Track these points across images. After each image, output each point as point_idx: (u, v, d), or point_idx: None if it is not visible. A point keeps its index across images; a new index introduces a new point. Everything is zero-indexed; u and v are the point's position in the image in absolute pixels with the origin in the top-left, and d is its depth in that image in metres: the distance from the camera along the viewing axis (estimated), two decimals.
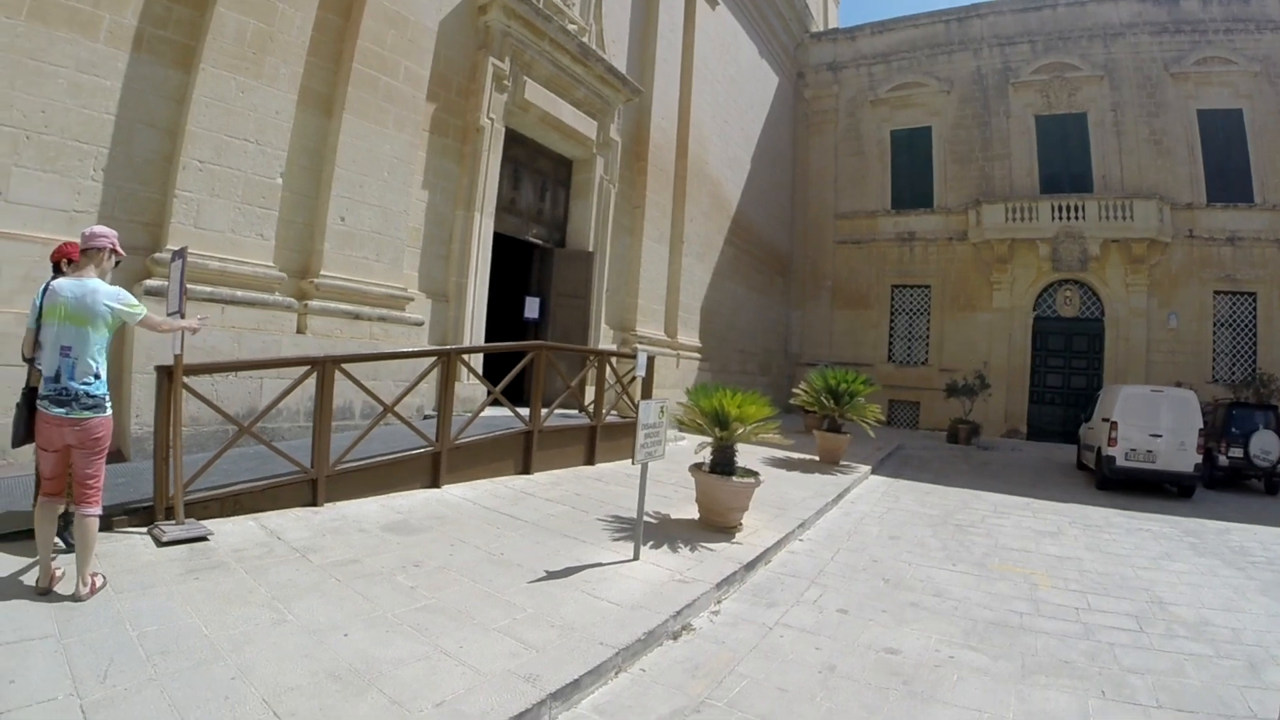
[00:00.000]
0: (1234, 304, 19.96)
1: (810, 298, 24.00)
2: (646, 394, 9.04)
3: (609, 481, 8.14)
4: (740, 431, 6.71)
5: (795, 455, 11.75)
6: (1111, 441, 11.60)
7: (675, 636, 4.14)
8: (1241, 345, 19.84)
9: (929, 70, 23.02)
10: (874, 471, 11.72)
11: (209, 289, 6.79)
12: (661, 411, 5.46)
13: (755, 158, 21.35)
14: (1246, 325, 19.82)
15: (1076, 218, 20.07)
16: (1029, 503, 10.08)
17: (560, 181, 13.36)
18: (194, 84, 6.88)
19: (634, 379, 8.70)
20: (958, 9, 23.43)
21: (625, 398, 10.15)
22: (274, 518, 5.30)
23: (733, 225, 19.46)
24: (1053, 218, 20.21)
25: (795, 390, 12.94)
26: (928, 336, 22.34)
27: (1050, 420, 20.35)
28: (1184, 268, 20.16)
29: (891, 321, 22.91)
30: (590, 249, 13.16)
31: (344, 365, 6.20)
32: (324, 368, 5.95)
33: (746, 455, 9.46)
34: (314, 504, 5.74)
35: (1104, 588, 5.96)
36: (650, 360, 8.92)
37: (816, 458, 11.63)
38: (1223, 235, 19.91)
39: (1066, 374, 20.70)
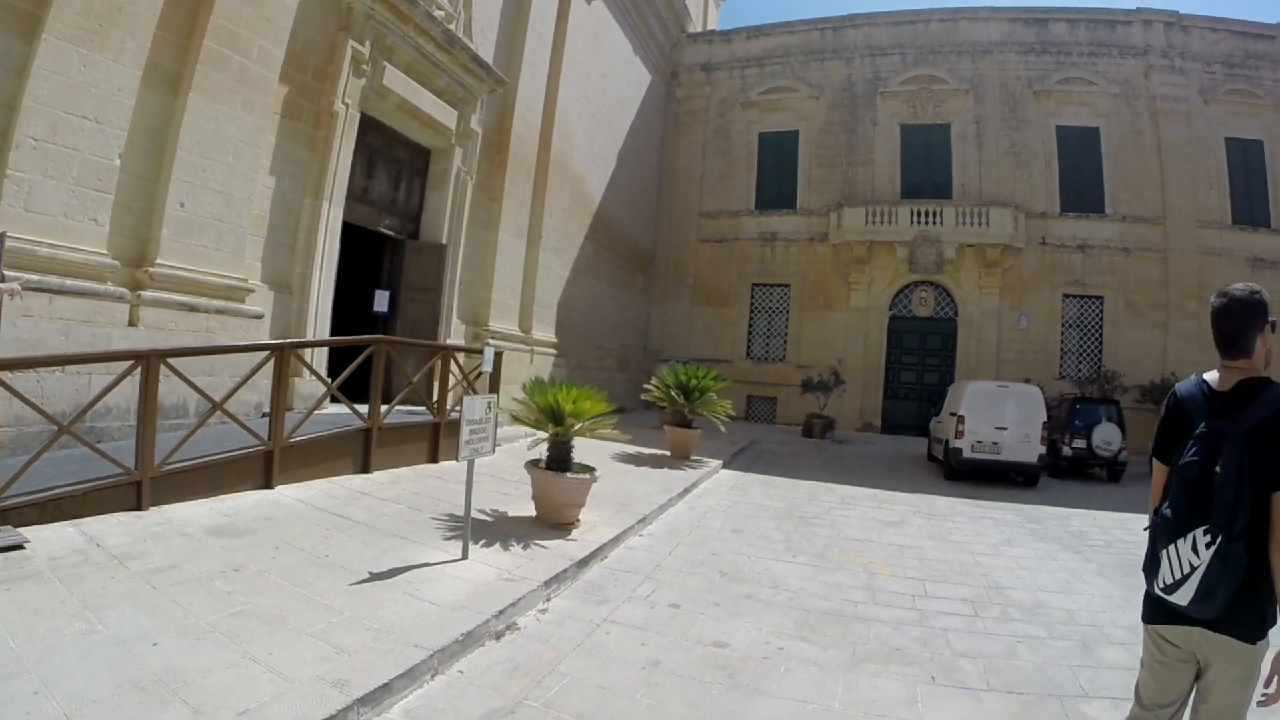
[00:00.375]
0: (1082, 307, 22.70)
1: (671, 295, 24.91)
2: (494, 390, 9.31)
3: (450, 480, 8.23)
4: (576, 427, 6.92)
5: (647, 451, 12.12)
6: (959, 434, 12.70)
7: (498, 637, 4.17)
8: (1088, 345, 22.65)
9: (801, 76, 24.63)
10: (725, 466, 12.23)
11: (37, 277, 6.54)
12: (489, 407, 5.68)
13: (622, 154, 22.05)
14: (1093, 326, 22.64)
15: (935, 223, 22.01)
16: (876, 494, 10.71)
17: (417, 171, 13.43)
18: (34, 55, 6.64)
19: (480, 374, 8.96)
20: (835, 18, 25.15)
21: (472, 394, 10.21)
22: (95, 523, 5.21)
23: (595, 221, 19.99)
24: (912, 222, 22.06)
25: (647, 386, 13.37)
26: (786, 334, 23.81)
27: (904, 415, 22.19)
28: (1036, 272, 22.72)
29: (751, 319, 24.26)
30: (444, 241, 13.29)
31: (171, 360, 6.20)
32: (148, 362, 5.91)
33: (596, 452, 9.93)
34: (138, 508, 5.69)
35: (943, 575, 6.33)
36: (498, 356, 9.30)
37: (668, 453, 12.03)
38: (1074, 243, 22.62)
39: (920, 371, 22.82)
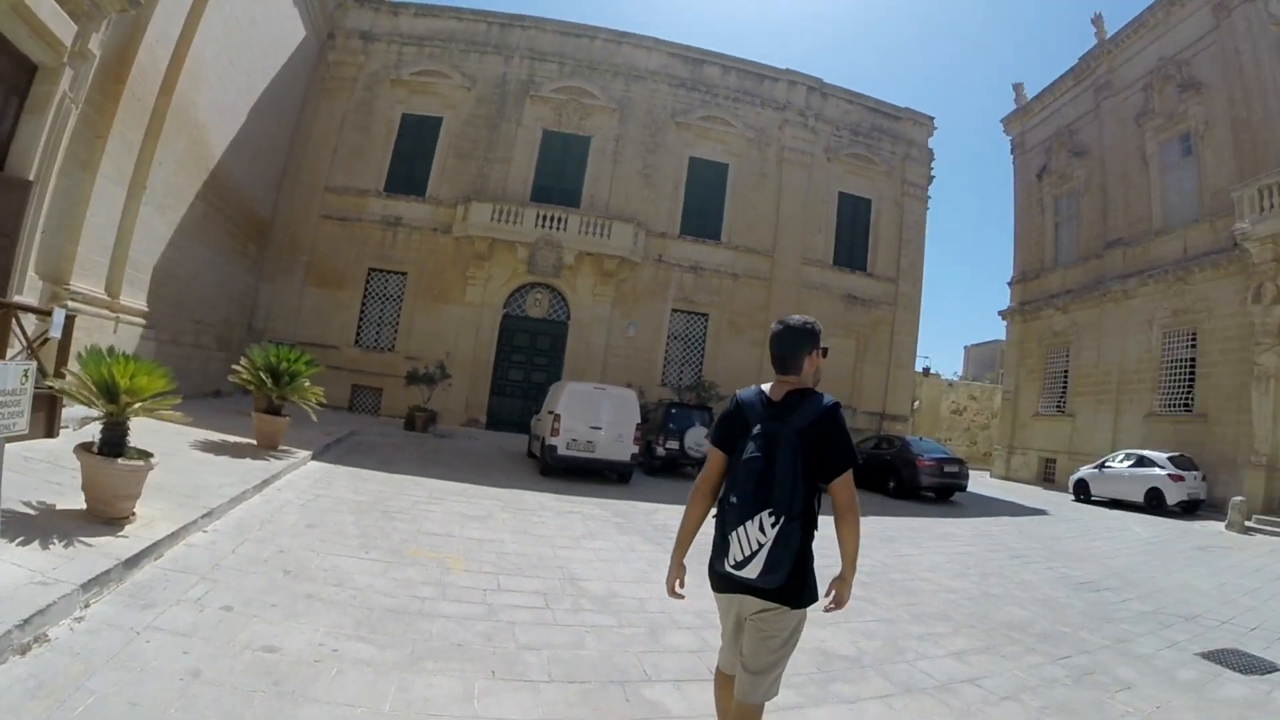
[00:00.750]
0: (689, 321, 27.13)
1: (284, 271, 24.94)
2: (63, 362, 8.89)
3: None
4: (134, 406, 6.53)
5: (232, 439, 11.87)
6: (554, 432, 13.92)
7: (24, 651, 3.87)
8: (691, 356, 26.95)
9: (459, 64, 26.58)
10: (315, 457, 12.18)
11: None
12: (24, 376, 5.25)
13: (256, 110, 21.62)
14: (697, 340, 27.10)
15: (559, 228, 24.78)
16: (467, 489, 11.21)
17: (16, 89, 11.90)
18: None
19: (46, 341, 8.59)
20: (505, 15, 27.81)
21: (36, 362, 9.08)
22: None
23: (211, 179, 19.26)
24: (536, 225, 24.62)
25: (235, 367, 12.91)
26: (398, 324, 25.27)
27: (510, 411, 24.40)
28: (649, 286, 26.49)
29: (364, 305, 25.41)
30: (31, 178, 11.82)
31: None
32: None
33: (174, 439, 9.98)
34: None
35: (519, 568, 6.74)
36: (70, 320, 8.86)
37: (254, 441, 11.74)
38: (688, 263, 26.95)
39: (529, 369, 25.34)
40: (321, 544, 6.82)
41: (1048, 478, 28.40)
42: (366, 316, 25.64)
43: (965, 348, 70.19)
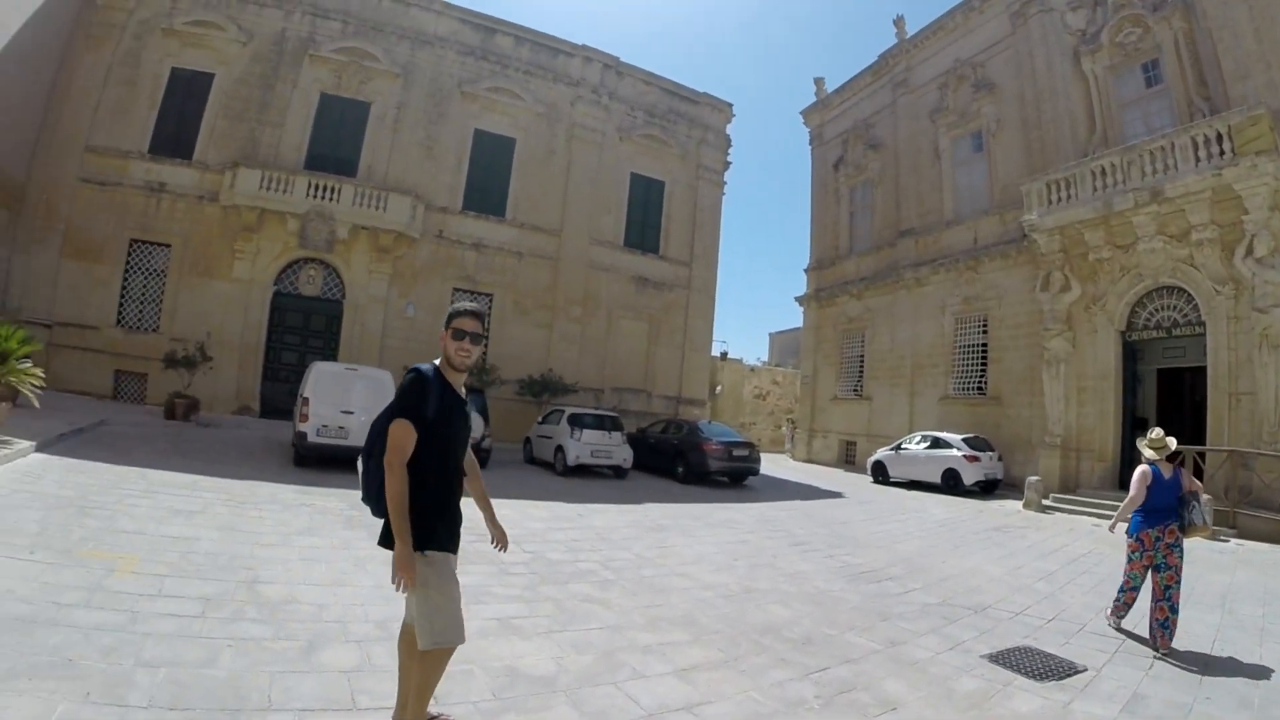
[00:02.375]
0: (475, 301, 26.96)
1: (37, 241, 24.79)
2: None
3: None
4: None
5: None
6: (303, 418, 14.37)
7: None
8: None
9: (235, 16, 27.06)
10: (41, 449, 12.46)
11: None
12: None
13: (3, 56, 21.43)
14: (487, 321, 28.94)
15: (331, 199, 26.00)
16: (198, 480, 11.51)
17: None
18: None
19: None
20: None
21: None
22: None
23: None
24: (308, 194, 25.72)
25: None
26: (161, 301, 25.65)
27: (284, 398, 23.96)
28: (429, 264, 28.73)
29: (125, 281, 25.60)
30: None
31: None
32: None
33: None
34: None
35: (198, 569, 6.80)
36: None
37: None
38: (470, 240, 29.49)
39: (303, 352, 26.15)
40: None
41: (849, 460, 32.52)
42: (129, 293, 25.83)
43: (770, 334, 78.70)
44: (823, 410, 34.79)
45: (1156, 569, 7.50)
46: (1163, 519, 7.55)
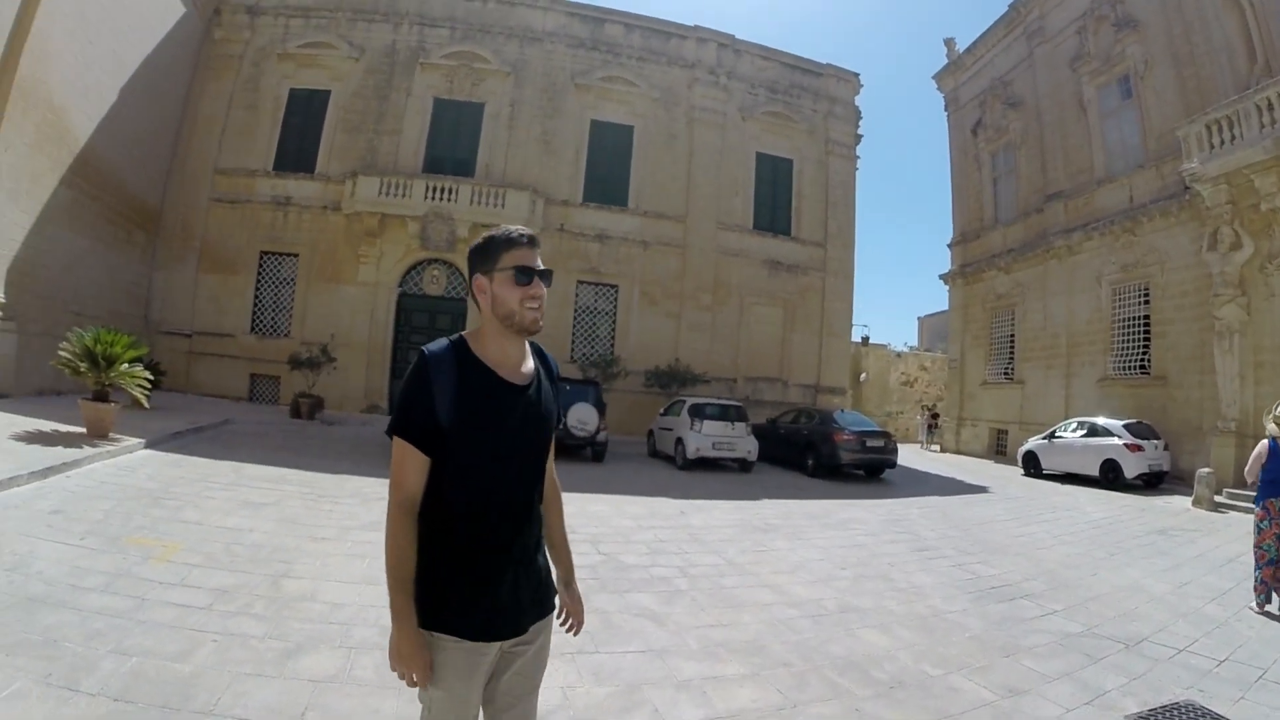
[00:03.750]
0: (597, 293, 29.80)
1: (177, 259, 27.19)
2: None
3: None
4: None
5: (63, 428, 12.83)
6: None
7: None
8: (600, 330, 29.79)
9: (345, 34, 28.97)
10: (153, 446, 13.09)
11: None
12: None
13: (129, 91, 22.88)
14: (607, 313, 29.91)
15: (450, 199, 26.95)
16: (289, 474, 11.97)
17: None
18: None
19: None
20: None
21: None
22: None
23: (77, 164, 20.73)
24: (426, 196, 26.75)
25: (59, 352, 13.72)
26: (292, 308, 27.45)
27: None
28: (551, 257, 27.60)
29: (258, 290, 27.67)
30: None
31: None
32: None
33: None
34: None
35: (235, 560, 6.94)
36: None
37: (84, 430, 12.63)
38: (593, 232, 29.64)
39: None
40: (45, 529, 7.15)
41: (1000, 450, 30.64)
42: (261, 302, 27.91)
43: (919, 319, 75.92)
44: (971, 397, 33.02)
45: None
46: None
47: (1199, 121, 19.75)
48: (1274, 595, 7.87)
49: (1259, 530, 8.05)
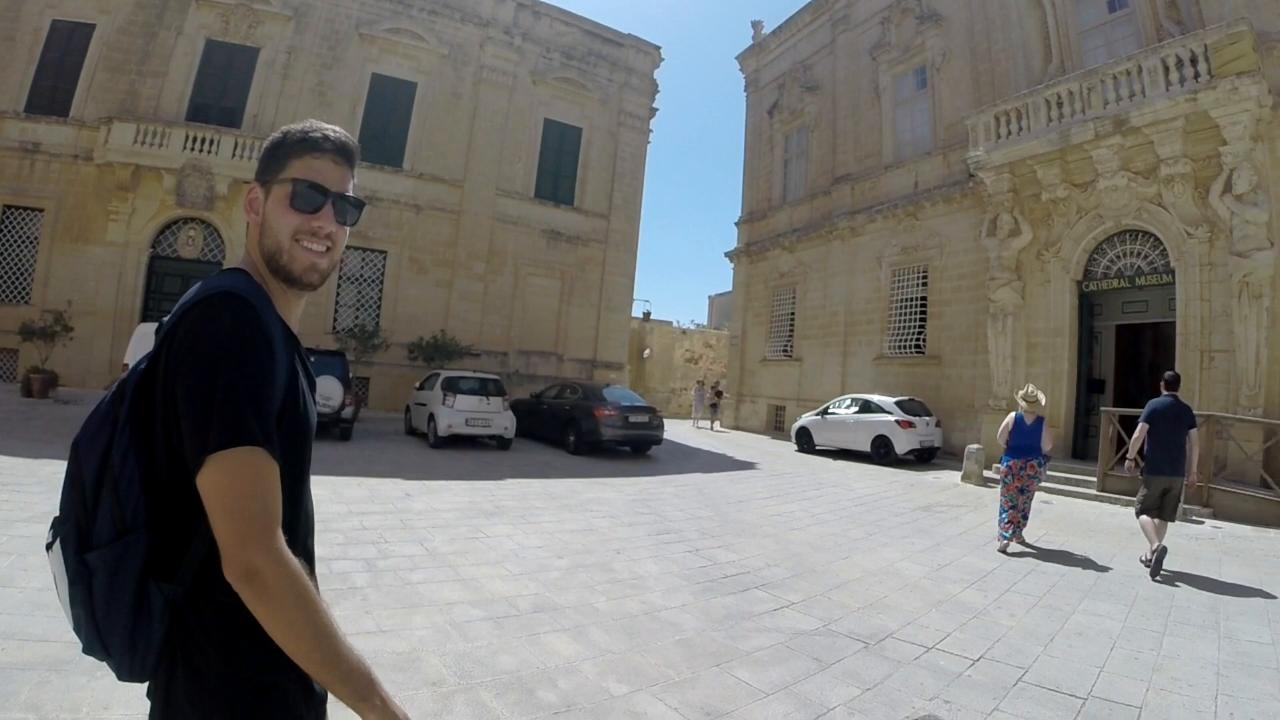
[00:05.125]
0: (365, 260, 28.71)
1: None
2: None
3: None
4: None
5: None
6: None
7: None
8: (368, 299, 29.14)
9: None
10: None
11: None
12: None
13: None
14: (374, 280, 29.01)
15: (211, 151, 25.13)
16: None
17: None
18: None
19: None
20: None
21: None
22: None
23: None
24: (185, 147, 24.81)
25: None
26: (34, 270, 24.99)
27: None
28: None
29: None
30: None
31: None
32: None
33: None
34: None
35: None
36: None
37: None
38: (366, 193, 25.93)
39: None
40: None
41: (778, 426, 32.14)
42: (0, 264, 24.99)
43: (709, 297, 79.04)
44: (751, 373, 34.29)
45: (1021, 491, 10.50)
46: (1023, 455, 10.60)
47: (989, 112, 20.91)
48: (1014, 537, 10.50)
49: (1004, 484, 10.67)
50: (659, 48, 35.41)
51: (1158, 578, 9.07)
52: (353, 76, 29.17)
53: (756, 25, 36.93)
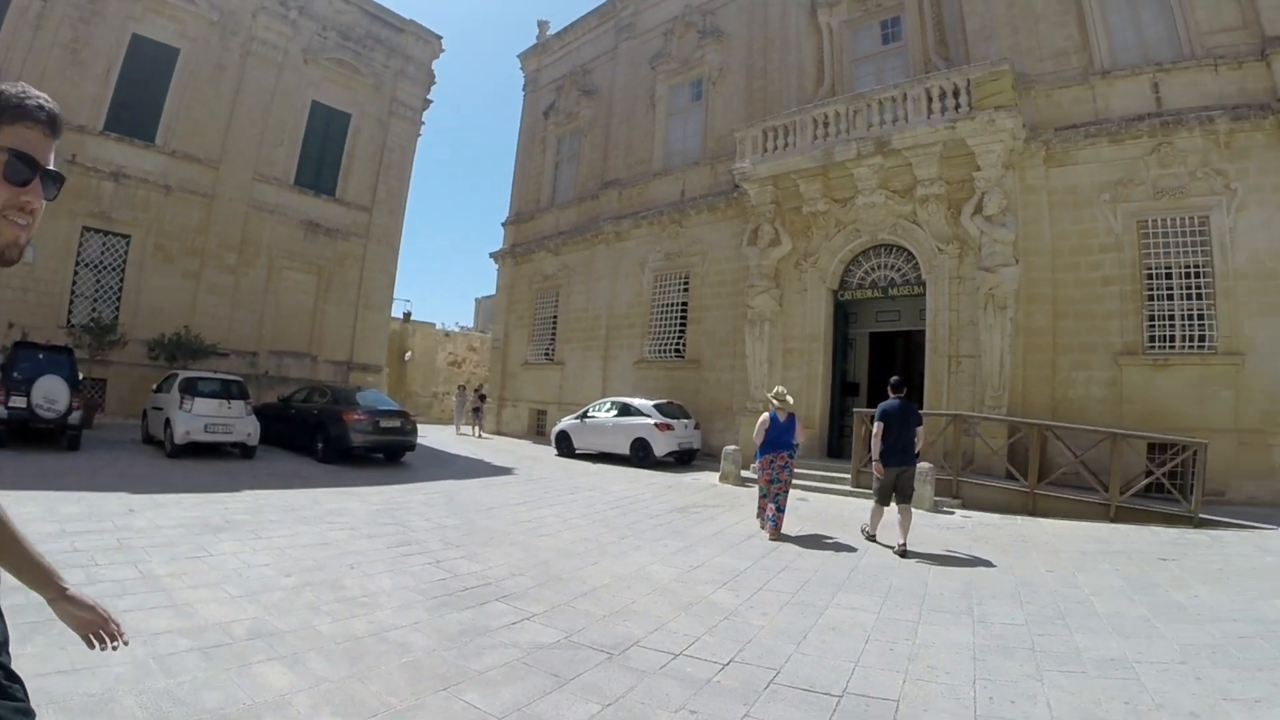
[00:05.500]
0: (106, 244, 25.74)
1: None
2: None
3: None
4: None
5: None
6: None
7: None
8: (107, 289, 26.14)
9: None
10: None
11: None
12: None
13: None
14: (115, 268, 25.95)
15: None
16: None
17: None
18: None
19: None
20: None
21: None
22: None
23: None
24: None
25: None
26: None
27: None
28: (58, 196, 26.69)
29: None
30: None
31: None
32: None
33: None
34: None
35: None
36: None
37: None
38: (110, 169, 25.74)
39: None
40: None
41: (540, 431, 31.59)
42: None
43: (476, 300, 78.97)
44: (514, 377, 33.95)
45: (773, 482, 11.69)
46: (775, 449, 11.91)
47: (758, 126, 21.66)
48: (770, 522, 11.70)
49: (758, 476, 12.09)
50: (440, 37, 34.62)
51: (909, 558, 10.19)
52: (111, 35, 26.08)
53: (543, 25, 36.92)
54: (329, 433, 18.76)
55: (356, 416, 18.60)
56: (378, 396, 21.31)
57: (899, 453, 11.05)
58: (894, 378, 11.89)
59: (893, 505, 11.12)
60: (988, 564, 10.01)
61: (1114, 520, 13.60)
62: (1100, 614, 7.50)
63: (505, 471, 19.26)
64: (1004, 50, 18.42)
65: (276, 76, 30.07)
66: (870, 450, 11.87)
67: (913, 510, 11.10)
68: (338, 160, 32.11)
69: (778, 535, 11.43)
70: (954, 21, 20.61)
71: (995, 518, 14.10)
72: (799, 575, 8.95)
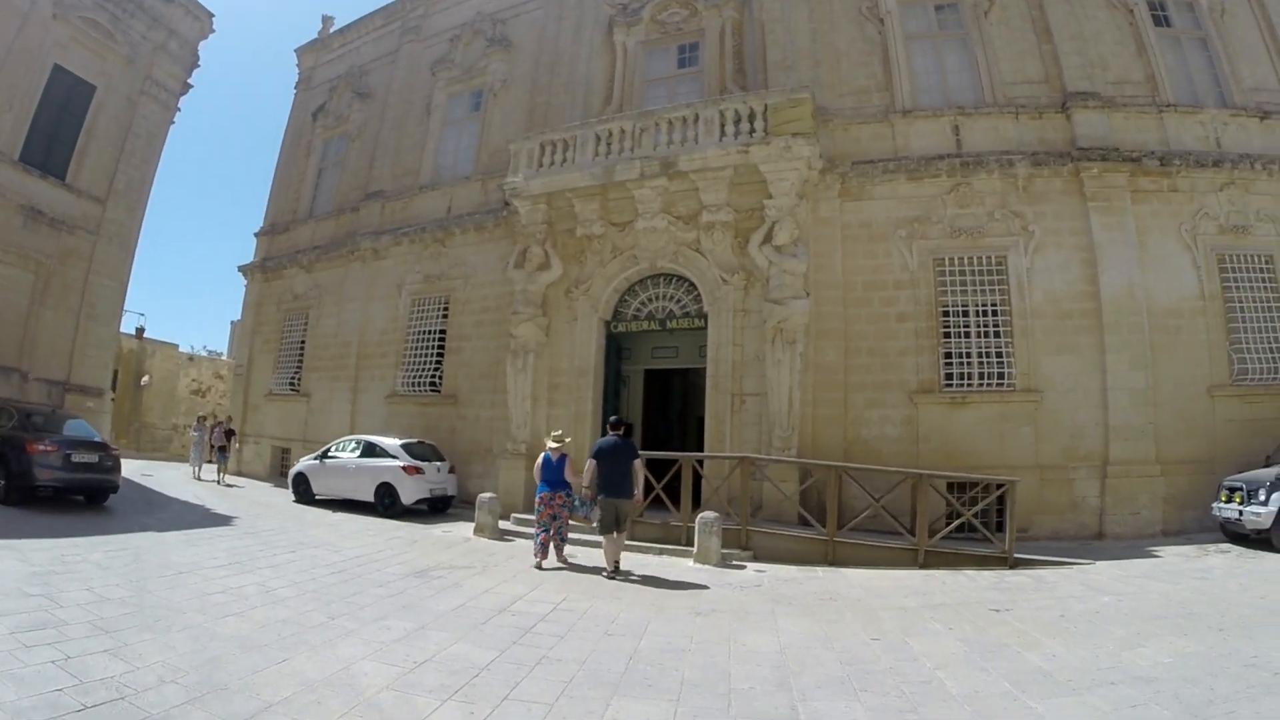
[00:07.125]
0: None
1: None
2: None
3: None
4: None
5: None
6: None
7: None
8: None
9: None
10: None
11: None
12: None
13: None
14: None
15: None
16: None
17: None
18: None
19: None
20: None
21: None
22: None
23: None
24: None
25: None
26: None
27: None
28: None
29: None
30: None
31: None
32: None
33: None
34: None
35: None
36: None
37: None
38: None
39: None
40: None
41: (283, 472, 27.19)
42: None
43: (232, 323, 75.17)
44: (255, 409, 30.10)
45: (554, 518, 12.91)
46: (552, 488, 13.05)
47: (535, 139, 20.52)
48: (550, 554, 13.02)
49: (538, 513, 13.08)
50: (213, 16, 31.72)
51: (617, 578, 12.06)
52: (32, 67, 24.77)
53: (326, 20, 35.27)
54: (9, 467, 15.38)
55: (43, 448, 15.51)
56: (80, 425, 18.39)
57: (613, 486, 12.38)
58: (613, 417, 13.82)
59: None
60: (800, 635, 8.60)
61: (924, 566, 13.29)
62: (956, 696, 6.23)
63: (223, 521, 16.41)
64: (804, 82, 18.45)
65: (18, 30, 26.11)
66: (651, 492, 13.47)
67: (625, 540, 12.98)
68: (74, 139, 28.18)
69: (565, 560, 13.13)
70: (755, 51, 20.83)
71: (793, 570, 13.10)
72: (562, 670, 6.94)
